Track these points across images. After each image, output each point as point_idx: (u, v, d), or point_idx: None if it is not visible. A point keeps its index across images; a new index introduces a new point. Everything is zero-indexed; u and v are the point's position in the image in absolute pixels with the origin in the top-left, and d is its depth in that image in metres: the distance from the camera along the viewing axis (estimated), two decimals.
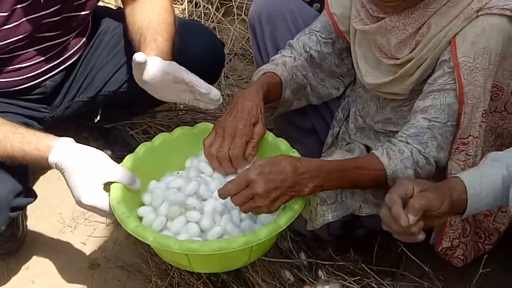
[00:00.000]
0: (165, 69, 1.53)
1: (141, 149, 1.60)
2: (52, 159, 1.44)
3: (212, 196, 1.51)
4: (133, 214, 1.46)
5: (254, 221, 1.49)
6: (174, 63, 1.56)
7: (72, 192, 1.44)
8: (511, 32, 1.39)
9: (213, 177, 1.57)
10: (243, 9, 2.77)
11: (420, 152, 1.45)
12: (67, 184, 1.45)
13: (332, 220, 1.55)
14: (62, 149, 1.45)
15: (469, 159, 1.46)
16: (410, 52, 1.53)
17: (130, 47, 1.80)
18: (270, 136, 1.62)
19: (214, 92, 1.52)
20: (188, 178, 1.56)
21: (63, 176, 1.45)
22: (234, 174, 1.54)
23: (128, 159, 1.57)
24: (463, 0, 1.44)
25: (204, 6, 2.77)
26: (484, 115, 1.45)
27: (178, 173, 1.60)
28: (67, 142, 1.47)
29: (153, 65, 1.52)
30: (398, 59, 1.55)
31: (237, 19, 2.72)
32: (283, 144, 1.58)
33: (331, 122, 1.86)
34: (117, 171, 1.46)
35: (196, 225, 1.46)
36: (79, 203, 1.44)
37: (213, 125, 1.60)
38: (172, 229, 1.45)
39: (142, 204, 1.53)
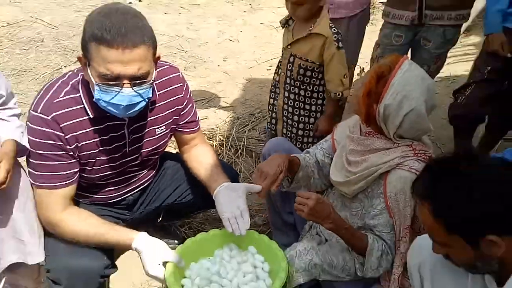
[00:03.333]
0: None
1: (188, 241, 1.62)
2: (134, 245, 1.47)
3: (227, 276, 1.51)
4: (178, 282, 1.46)
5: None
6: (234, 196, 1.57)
7: (143, 266, 1.46)
8: None
9: (230, 262, 1.57)
10: (250, 151, 2.84)
11: (384, 245, 1.49)
12: (141, 261, 1.46)
13: (302, 282, 1.54)
14: (140, 240, 1.48)
15: (400, 247, 1.49)
16: (356, 168, 1.54)
17: (183, 176, 1.87)
18: (266, 238, 1.61)
19: (236, 231, 1.53)
20: (214, 262, 1.57)
21: (139, 256, 1.47)
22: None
23: (179, 247, 1.58)
24: (392, 154, 1.47)
25: (229, 149, 2.80)
26: (405, 229, 1.47)
27: (209, 258, 1.61)
28: (144, 235, 1.50)
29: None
30: (350, 171, 1.56)
31: (243, 157, 2.76)
32: (273, 243, 1.59)
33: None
34: (171, 255, 1.47)
35: None
36: (147, 273, 1.45)
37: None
38: None
39: (185, 277, 1.54)
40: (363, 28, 2.54)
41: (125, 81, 1.33)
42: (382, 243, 1.49)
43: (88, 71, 1.36)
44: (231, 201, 1.57)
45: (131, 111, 1.41)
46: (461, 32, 2.51)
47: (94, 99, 1.39)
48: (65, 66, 3.95)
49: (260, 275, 1.54)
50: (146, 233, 1.51)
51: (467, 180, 1.02)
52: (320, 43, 2.04)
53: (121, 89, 1.34)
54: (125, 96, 1.35)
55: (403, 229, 1.47)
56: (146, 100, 1.41)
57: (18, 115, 1.43)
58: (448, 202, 1.03)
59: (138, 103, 1.39)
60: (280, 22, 2.20)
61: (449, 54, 2.56)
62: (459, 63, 3.92)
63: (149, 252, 1.45)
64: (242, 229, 1.53)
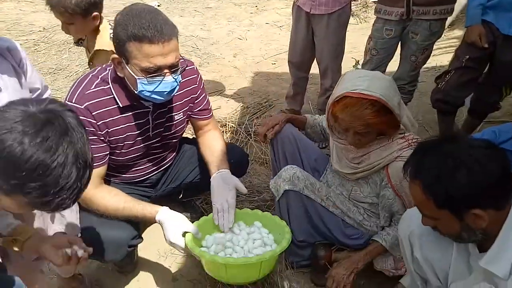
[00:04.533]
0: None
1: (202, 219, 1.62)
2: (157, 218, 1.48)
3: (239, 244, 1.55)
4: (197, 247, 1.47)
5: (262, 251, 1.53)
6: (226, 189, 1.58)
7: (165, 236, 1.47)
8: None
9: (241, 234, 1.59)
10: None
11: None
12: (163, 232, 1.47)
13: (286, 189, 1.62)
14: (162, 213, 1.48)
15: None
16: (358, 164, 1.59)
17: (199, 158, 1.83)
18: (269, 214, 1.63)
19: (221, 227, 1.57)
20: (227, 234, 1.59)
21: (162, 227, 1.48)
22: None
23: (197, 221, 1.60)
24: (390, 149, 1.51)
25: (240, 134, 2.79)
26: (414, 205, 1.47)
27: (221, 232, 1.61)
28: (166, 209, 1.50)
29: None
30: (352, 164, 1.61)
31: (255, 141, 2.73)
32: (276, 217, 1.61)
33: None
34: (190, 226, 1.49)
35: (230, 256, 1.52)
36: (169, 242, 1.46)
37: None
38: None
39: (202, 246, 1.55)
40: (343, 25, 2.49)
41: (166, 70, 1.35)
42: (393, 230, 1.57)
43: (128, 68, 1.35)
44: (223, 192, 1.58)
45: (171, 95, 1.44)
46: (445, 26, 2.45)
47: (137, 92, 1.39)
48: None
49: (267, 242, 1.56)
50: (168, 207, 1.51)
51: (451, 160, 1.00)
52: (108, 57, 1.68)
53: (163, 78, 1.35)
54: (168, 83, 1.37)
55: (413, 205, 1.48)
56: (178, 83, 1.42)
57: None
58: (436, 181, 1.01)
59: (176, 87, 1.42)
60: (74, 42, 2.03)
61: (434, 46, 2.52)
62: (444, 55, 3.86)
63: (170, 223, 1.46)
64: (225, 227, 1.57)
